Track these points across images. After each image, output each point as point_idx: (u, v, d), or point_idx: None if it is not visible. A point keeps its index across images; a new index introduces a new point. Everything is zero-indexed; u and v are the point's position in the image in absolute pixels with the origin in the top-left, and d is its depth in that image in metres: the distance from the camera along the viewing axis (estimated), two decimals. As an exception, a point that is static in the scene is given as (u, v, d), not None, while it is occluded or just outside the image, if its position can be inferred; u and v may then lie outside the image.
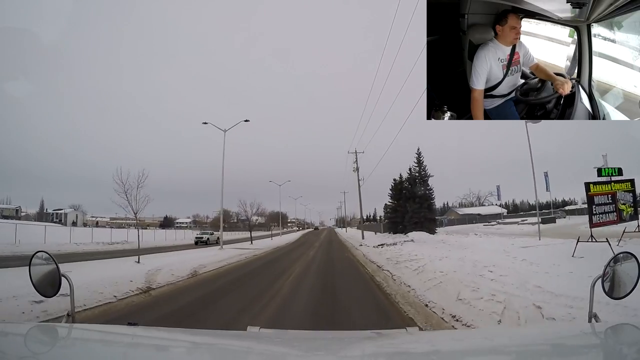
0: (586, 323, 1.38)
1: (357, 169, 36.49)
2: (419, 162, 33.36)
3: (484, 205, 67.59)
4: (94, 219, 79.27)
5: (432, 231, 29.73)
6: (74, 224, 64.15)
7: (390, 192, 37.06)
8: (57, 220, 68.34)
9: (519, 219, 45.40)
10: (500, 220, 47.32)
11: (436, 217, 34.83)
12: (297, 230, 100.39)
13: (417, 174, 33.40)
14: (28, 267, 1.47)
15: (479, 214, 57.04)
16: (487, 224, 44.51)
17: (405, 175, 35.05)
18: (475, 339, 1.52)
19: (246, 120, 23.83)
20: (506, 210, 58.81)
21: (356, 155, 36.36)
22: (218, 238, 32.52)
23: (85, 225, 63.88)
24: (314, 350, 1.26)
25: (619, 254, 1.40)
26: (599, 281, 1.40)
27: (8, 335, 1.25)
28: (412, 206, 31.46)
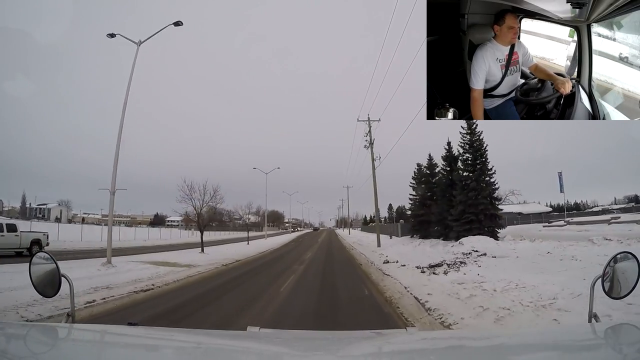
0: (586, 323, 1.39)
1: (372, 143, 24.19)
2: (471, 129, 20.64)
3: (504, 203, 60.17)
4: (86, 215, 78.30)
5: (495, 235, 18.88)
6: (58, 219, 62.22)
7: (413, 183, 27.06)
8: (41, 215, 66.48)
9: (607, 217, 30.50)
10: (569, 219, 33.01)
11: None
12: (292, 232, 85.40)
13: (467, 145, 20.67)
14: (28, 267, 1.48)
15: (519, 213, 46.83)
16: (547, 225, 30.47)
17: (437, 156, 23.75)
18: (475, 339, 1.52)
19: (176, 24, 13.87)
20: (551, 209, 49.60)
21: (369, 124, 23.90)
22: (38, 243, 16.19)
23: (70, 221, 61.59)
24: (314, 350, 1.26)
25: (618, 253, 1.40)
26: (599, 281, 1.40)
27: (8, 335, 1.25)
28: (462, 196, 19.72)
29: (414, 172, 27.58)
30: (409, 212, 31.62)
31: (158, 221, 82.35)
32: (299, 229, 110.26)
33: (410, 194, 28.33)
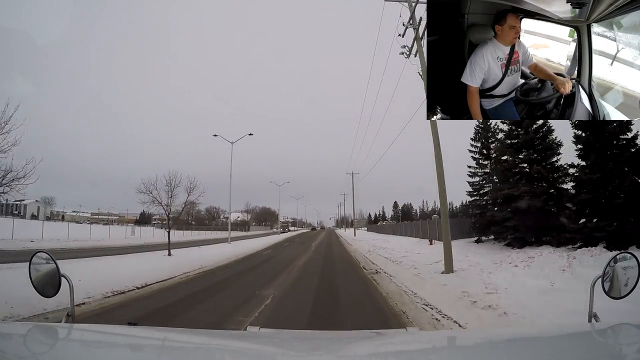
0: (586, 323, 1.39)
1: (421, 37, 11.11)
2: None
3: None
4: (75, 213, 76.66)
5: None
6: (34, 216, 59.43)
7: (475, 147, 17.00)
8: (17, 212, 64.07)
9: None
10: None
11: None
12: (282, 233, 65.42)
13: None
14: (28, 267, 1.48)
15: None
16: None
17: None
18: (475, 339, 1.52)
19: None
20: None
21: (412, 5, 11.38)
22: None
23: (48, 218, 58.91)
24: (314, 350, 1.26)
25: (618, 253, 1.40)
26: (599, 281, 1.41)
27: (8, 335, 1.25)
28: None
29: (476, 128, 16.15)
30: (471, 199, 17.71)
31: (144, 220, 78.73)
32: (292, 228, 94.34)
33: (472, 167, 16.56)
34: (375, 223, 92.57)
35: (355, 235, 44.75)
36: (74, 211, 79.89)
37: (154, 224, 66.81)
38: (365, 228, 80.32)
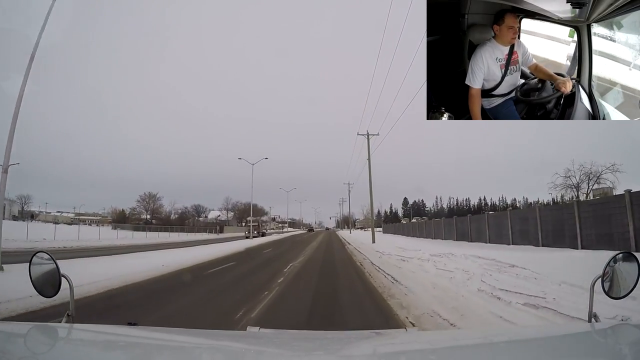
0: (586, 323, 1.39)
1: None
2: None
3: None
4: (59, 213, 75.10)
5: None
6: None
7: None
8: None
9: None
10: None
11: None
12: (254, 237, 42.59)
13: None
14: (28, 267, 1.48)
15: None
16: None
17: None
18: (475, 339, 1.52)
19: None
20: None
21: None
22: None
23: (15, 218, 56.49)
24: (314, 350, 1.26)
25: (618, 253, 1.40)
26: (599, 281, 1.40)
27: (8, 335, 1.25)
28: None
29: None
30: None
31: (122, 219, 74.70)
32: (289, 229, 74.10)
33: None
34: (392, 222, 69.92)
35: (374, 241, 24.86)
36: (58, 211, 78.92)
37: (136, 224, 61.64)
38: (381, 229, 55.96)
